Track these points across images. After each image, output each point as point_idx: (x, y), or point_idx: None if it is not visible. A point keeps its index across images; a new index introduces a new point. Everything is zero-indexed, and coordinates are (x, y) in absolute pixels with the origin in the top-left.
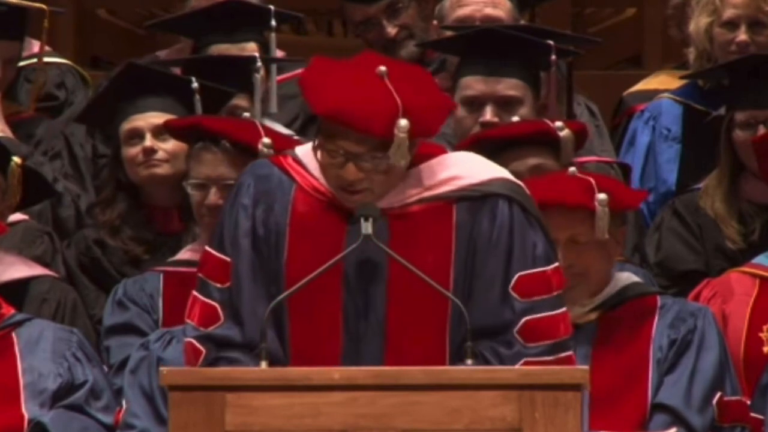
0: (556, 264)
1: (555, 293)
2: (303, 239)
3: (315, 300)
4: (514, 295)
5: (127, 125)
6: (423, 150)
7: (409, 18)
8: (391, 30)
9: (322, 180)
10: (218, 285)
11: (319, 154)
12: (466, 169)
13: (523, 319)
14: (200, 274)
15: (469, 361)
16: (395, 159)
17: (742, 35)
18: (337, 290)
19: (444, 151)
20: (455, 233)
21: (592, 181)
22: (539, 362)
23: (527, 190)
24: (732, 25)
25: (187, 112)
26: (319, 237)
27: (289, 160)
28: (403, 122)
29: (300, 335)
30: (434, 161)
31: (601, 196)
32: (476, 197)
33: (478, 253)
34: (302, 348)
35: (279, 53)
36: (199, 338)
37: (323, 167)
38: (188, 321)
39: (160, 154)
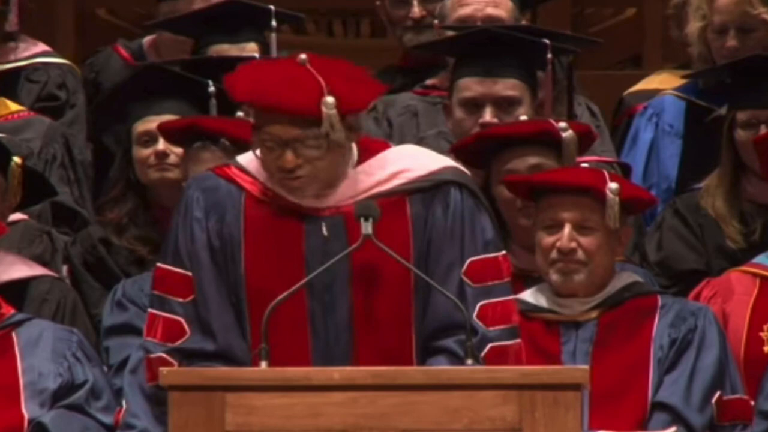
0: (504, 252)
1: (506, 279)
2: (259, 245)
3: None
4: (466, 280)
5: (140, 126)
6: (367, 146)
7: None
8: (418, 11)
9: (270, 183)
10: (180, 299)
11: (258, 151)
12: (413, 161)
13: (479, 304)
14: (157, 291)
15: (469, 361)
16: (333, 136)
17: (731, 41)
18: (301, 291)
19: (387, 146)
20: (411, 226)
21: (605, 172)
22: (502, 347)
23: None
24: (722, 30)
25: (202, 115)
26: (276, 241)
27: (233, 169)
28: (330, 99)
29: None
30: (380, 156)
31: (613, 184)
32: (428, 188)
33: (434, 242)
34: (271, 351)
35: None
36: (169, 353)
37: (264, 162)
38: (149, 339)
39: (172, 159)
